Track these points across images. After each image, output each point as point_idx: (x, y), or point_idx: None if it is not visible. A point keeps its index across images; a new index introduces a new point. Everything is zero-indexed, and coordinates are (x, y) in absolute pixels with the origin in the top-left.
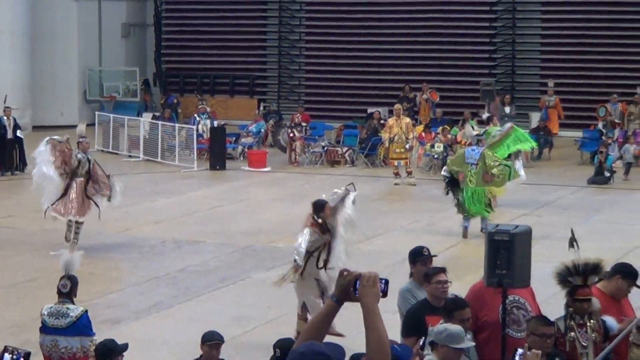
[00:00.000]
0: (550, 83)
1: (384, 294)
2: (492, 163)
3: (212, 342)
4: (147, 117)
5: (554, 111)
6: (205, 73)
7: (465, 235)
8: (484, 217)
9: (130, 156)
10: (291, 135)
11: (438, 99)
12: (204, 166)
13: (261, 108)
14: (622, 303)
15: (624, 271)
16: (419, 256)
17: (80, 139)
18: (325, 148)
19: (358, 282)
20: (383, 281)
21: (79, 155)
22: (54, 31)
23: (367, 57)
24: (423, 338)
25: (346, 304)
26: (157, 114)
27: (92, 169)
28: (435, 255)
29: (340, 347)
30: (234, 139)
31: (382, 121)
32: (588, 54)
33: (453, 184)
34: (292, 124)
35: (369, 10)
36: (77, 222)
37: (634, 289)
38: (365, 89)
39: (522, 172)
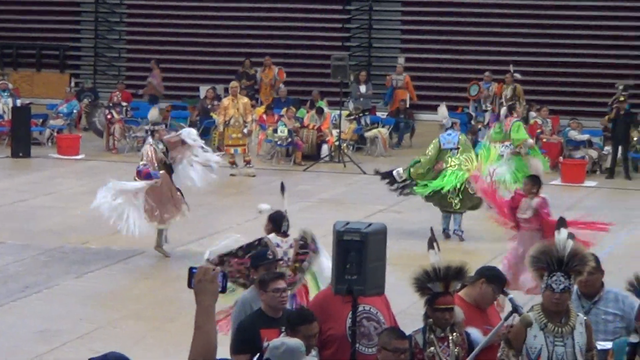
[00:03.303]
0: (401, 59)
1: (223, 289)
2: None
3: None
4: None
5: (404, 92)
6: (7, 42)
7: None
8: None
9: None
10: (109, 117)
11: (285, 77)
12: (4, 153)
13: (73, 85)
14: (488, 312)
15: (488, 275)
16: (262, 260)
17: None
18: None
19: (193, 276)
20: (221, 274)
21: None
22: None
23: (200, 25)
24: (257, 355)
25: None
26: None
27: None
28: (280, 259)
29: None
30: (41, 121)
31: (215, 102)
32: (456, 24)
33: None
34: (110, 104)
35: None
36: None
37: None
38: (197, 63)
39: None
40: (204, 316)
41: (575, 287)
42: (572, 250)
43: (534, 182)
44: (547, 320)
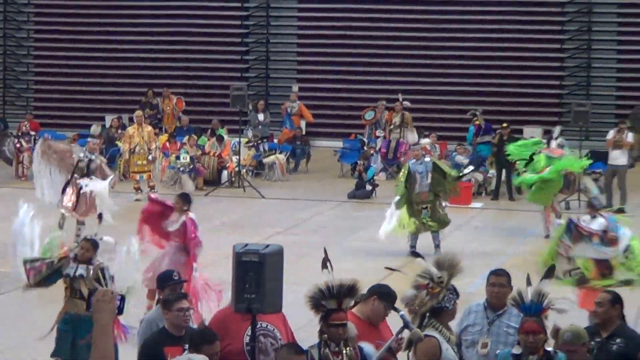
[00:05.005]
0: (295, 87)
1: (120, 310)
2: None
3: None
4: None
5: (298, 119)
6: None
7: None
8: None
9: None
10: (18, 145)
11: (184, 107)
12: None
13: None
14: (380, 328)
15: (380, 292)
16: (168, 281)
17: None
18: None
19: (92, 296)
20: (119, 297)
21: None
22: None
23: (104, 58)
24: None
25: None
26: None
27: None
28: (185, 280)
29: None
30: None
31: (120, 130)
32: (349, 55)
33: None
34: (19, 133)
35: (106, 6)
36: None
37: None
38: (103, 94)
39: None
40: (101, 333)
41: (483, 300)
42: (452, 267)
43: (185, 200)
44: (450, 333)
